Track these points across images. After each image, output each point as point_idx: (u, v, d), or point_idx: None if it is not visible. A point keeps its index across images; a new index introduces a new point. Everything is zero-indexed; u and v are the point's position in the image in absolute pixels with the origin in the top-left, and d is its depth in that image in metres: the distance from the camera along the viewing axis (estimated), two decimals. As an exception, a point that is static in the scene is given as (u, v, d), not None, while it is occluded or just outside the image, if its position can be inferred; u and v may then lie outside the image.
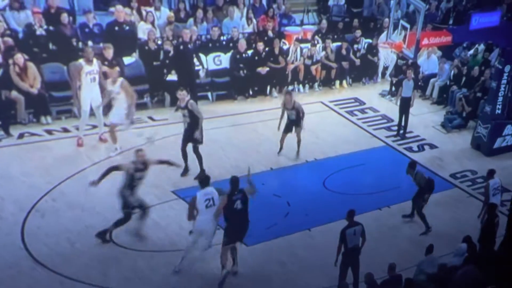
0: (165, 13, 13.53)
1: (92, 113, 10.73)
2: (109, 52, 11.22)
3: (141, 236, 8.72)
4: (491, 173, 10.07)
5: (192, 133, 9.92)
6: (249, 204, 8.19)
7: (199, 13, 13.68)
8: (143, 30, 12.84)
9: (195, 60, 12.64)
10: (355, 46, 14.92)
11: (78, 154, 10.58)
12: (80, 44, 11.99)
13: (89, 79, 10.43)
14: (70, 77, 11.30)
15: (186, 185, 9.87)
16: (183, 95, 9.90)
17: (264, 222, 9.32)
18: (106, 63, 11.13)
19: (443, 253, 8.87)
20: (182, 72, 12.38)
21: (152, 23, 13.08)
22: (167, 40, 12.60)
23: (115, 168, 8.49)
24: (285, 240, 9.26)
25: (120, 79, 10.39)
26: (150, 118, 12.15)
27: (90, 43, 12.10)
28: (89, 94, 10.50)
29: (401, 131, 12.80)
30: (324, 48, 14.41)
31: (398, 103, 12.71)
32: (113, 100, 10.37)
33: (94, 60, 10.51)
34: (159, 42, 12.77)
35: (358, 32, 14.89)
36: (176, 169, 9.53)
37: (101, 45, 11.86)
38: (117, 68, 11.15)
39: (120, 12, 12.32)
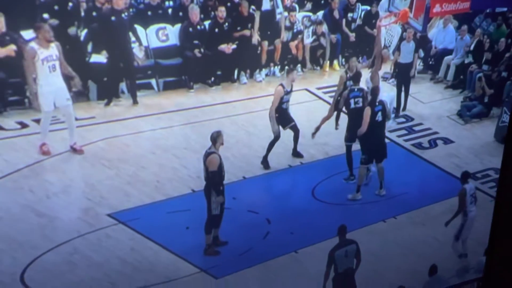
0: None
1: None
2: (0, 23, 10.95)
3: None
4: (465, 176, 11.03)
5: None
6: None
7: None
8: None
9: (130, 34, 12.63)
10: (349, 14, 15.30)
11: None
12: None
13: (47, 68, 10.38)
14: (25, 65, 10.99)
15: (127, 206, 10.19)
16: None
17: (236, 247, 9.87)
18: None
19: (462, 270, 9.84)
20: (113, 51, 12.32)
21: None
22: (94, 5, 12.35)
23: None
24: (265, 268, 9.82)
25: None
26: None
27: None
28: (49, 88, 10.46)
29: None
30: (315, 33, 14.71)
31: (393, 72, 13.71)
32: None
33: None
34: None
35: None
36: (109, 186, 10.18)
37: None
38: (13, 46, 11.06)
39: None
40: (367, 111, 11.21)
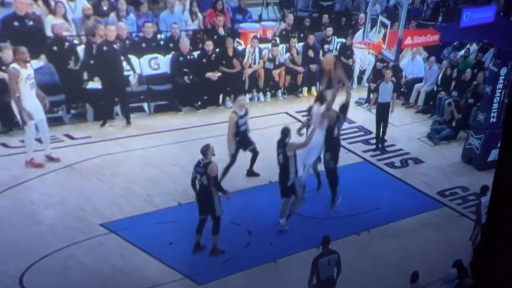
0: (80, 4, 13.82)
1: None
2: (8, 54, 11.47)
3: None
4: (484, 190, 10.99)
5: None
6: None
7: (121, 4, 13.99)
8: (52, 26, 12.97)
9: (124, 64, 13.22)
10: (326, 46, 15.90)
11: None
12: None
13: (29, 86, 10.93)
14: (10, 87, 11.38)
15: (118, 217, 10.57)
16: None
17: (219, 255, 10.21)
18: (3, 68, 11.53)
19: (432, 279, 9.93)
20: (107, 78, 12.97)
21: (64, 16, 13.32)
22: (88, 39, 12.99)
23: None
24: (246, 275, 10.06)
25: None
26: (68, 136, 12.63)
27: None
28: (31, 104, 10.99)
29: (380, 145, 13.87)
30: (289, 49, 15.33)
31: (374, 110, 13.83)
32: None
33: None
34: (76, 42, 13.29)
35: (329, 30, 15.84)
36: (103, 198, 10.55)
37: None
38: None
39: (20, 2, 12.43)
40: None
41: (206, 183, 9.99)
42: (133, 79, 13.54)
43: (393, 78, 14.00)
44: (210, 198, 10.06)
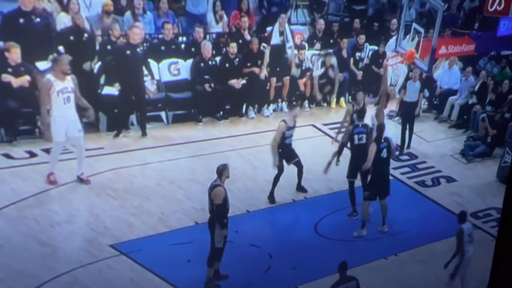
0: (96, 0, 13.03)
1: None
2: (16, 54, 10.88)
3: None
4: (462, 216, 10.17)
5: None
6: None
7: (138, 2, 13.14)
8: (64, 24, 12.18)
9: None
10: (357, 54, 15.14)
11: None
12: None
13: (62, 100, 10.07)
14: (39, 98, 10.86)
15: (130, 237, 9.82)
16: None
17: (237, 281, 9.44)
18: (10, 70, 10.90)
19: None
20: (126, 84, 12.18)
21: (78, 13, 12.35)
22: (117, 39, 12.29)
23: None
24: (265, 303, 9.38)
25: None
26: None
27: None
28: (62, 120, 10.16)
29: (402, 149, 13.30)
30: (324, 65, 14.44)
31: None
32: None
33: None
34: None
35: (362, 38, 15.07)
36: (114, 216, 9.87)
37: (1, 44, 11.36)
38: (27, 77, 11.02)
39: None
40: (373, 148, 10.72)
41: (210, 208, 9.15)
42: (150, 86, 12.63)
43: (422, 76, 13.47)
44: (212, 226, 9.19)
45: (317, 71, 14.49)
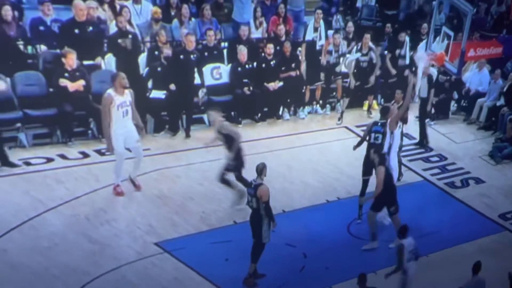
0: (147, 7, 13.36)
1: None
2: (72, 59, 11.12)
3: None
4: (403, 231, 9.16)
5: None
6: None
7: (185, 9, 13.48)
8: (116, 21, 12.46)
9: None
10: (397, 51, 15.03)
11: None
12: (30, 48, 11.85)
13: (121, 113, 10.22)
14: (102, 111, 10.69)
15: (173, 236, 10.04)
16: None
17: (273, 279, 9.54)
18: (66, 75, 11.20)
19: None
20: (178, 88, 12.48)
21: (129, 21, 12.72)
22: (164, 45, 12.51)
23: None
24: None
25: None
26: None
27: (43, 47, 11.87)
28: (121, 131, 10.29)
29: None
30: (360, 50, 14.15)
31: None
32: None
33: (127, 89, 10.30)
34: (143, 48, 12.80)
35: (403, 35, 14.97)
36: (158, 215, 10.06)
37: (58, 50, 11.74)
38: (82, 81, 11.37)
39: (80, 9, 11.78)
40: (381, 172, 10.23)
41: (256, 206, 9.23)
42: (201, 92, 12.93)
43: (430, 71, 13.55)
44: (258, 223, 9.26)
45: (354, 56, 14.17)
